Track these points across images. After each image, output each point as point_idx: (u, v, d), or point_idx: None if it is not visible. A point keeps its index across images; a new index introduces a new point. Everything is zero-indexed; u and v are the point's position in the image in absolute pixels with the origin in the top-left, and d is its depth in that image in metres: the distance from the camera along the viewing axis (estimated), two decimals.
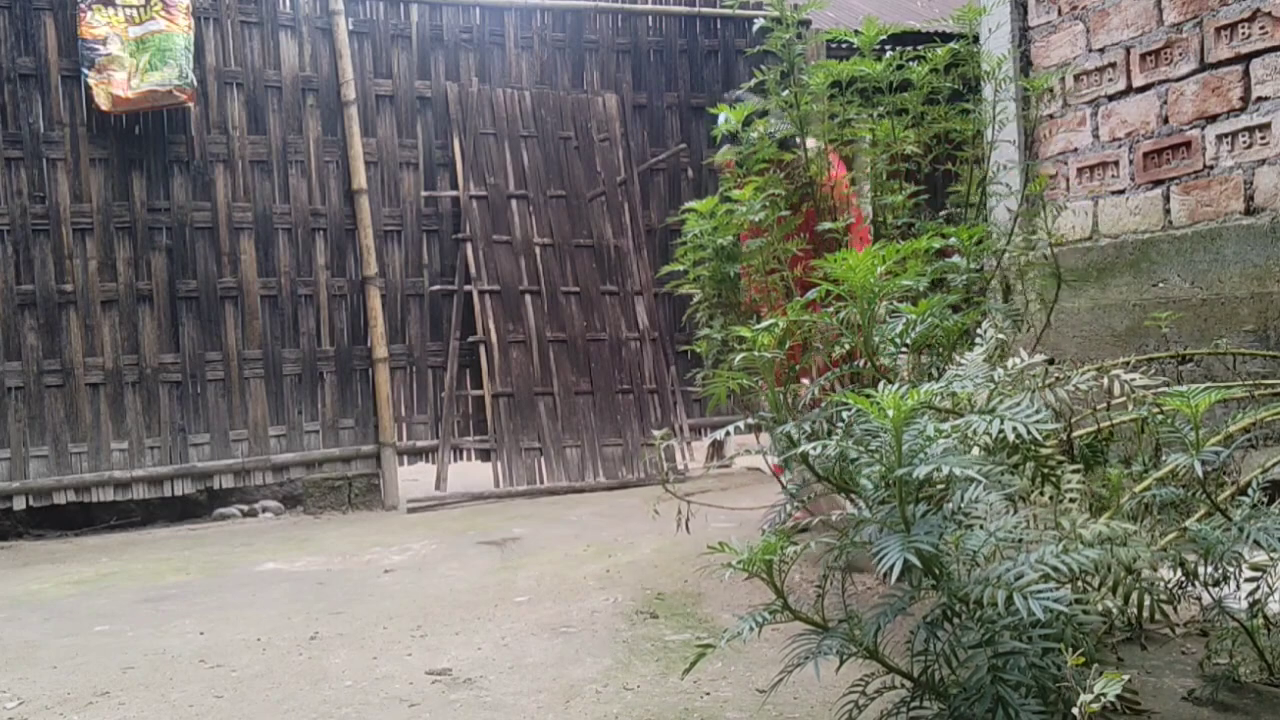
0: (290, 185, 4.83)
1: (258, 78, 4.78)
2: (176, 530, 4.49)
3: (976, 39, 2.62)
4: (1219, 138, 3.09)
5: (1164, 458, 1.91)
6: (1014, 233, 2.53)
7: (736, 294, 2.72)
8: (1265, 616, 1.72)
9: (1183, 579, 1.73)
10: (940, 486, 1.44)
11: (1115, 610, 1.62)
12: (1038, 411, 1.39)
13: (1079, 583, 1.54)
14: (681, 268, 2.87)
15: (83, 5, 4.40)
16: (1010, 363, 1.73)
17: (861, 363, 1.96)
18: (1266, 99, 2.94)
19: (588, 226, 5.33)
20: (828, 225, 2.64)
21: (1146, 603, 1.61)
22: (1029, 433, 1.36)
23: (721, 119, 3.01)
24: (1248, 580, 1.69)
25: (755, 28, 2.86)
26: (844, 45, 2.71)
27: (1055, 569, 1.30)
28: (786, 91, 2.78)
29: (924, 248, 2.02)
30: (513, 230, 5.19)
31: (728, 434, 1.95)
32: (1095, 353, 3.32)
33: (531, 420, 5.06)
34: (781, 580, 1.50)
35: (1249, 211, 3.02)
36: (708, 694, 1.97)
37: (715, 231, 2.70)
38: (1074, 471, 1.79)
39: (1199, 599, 1.82)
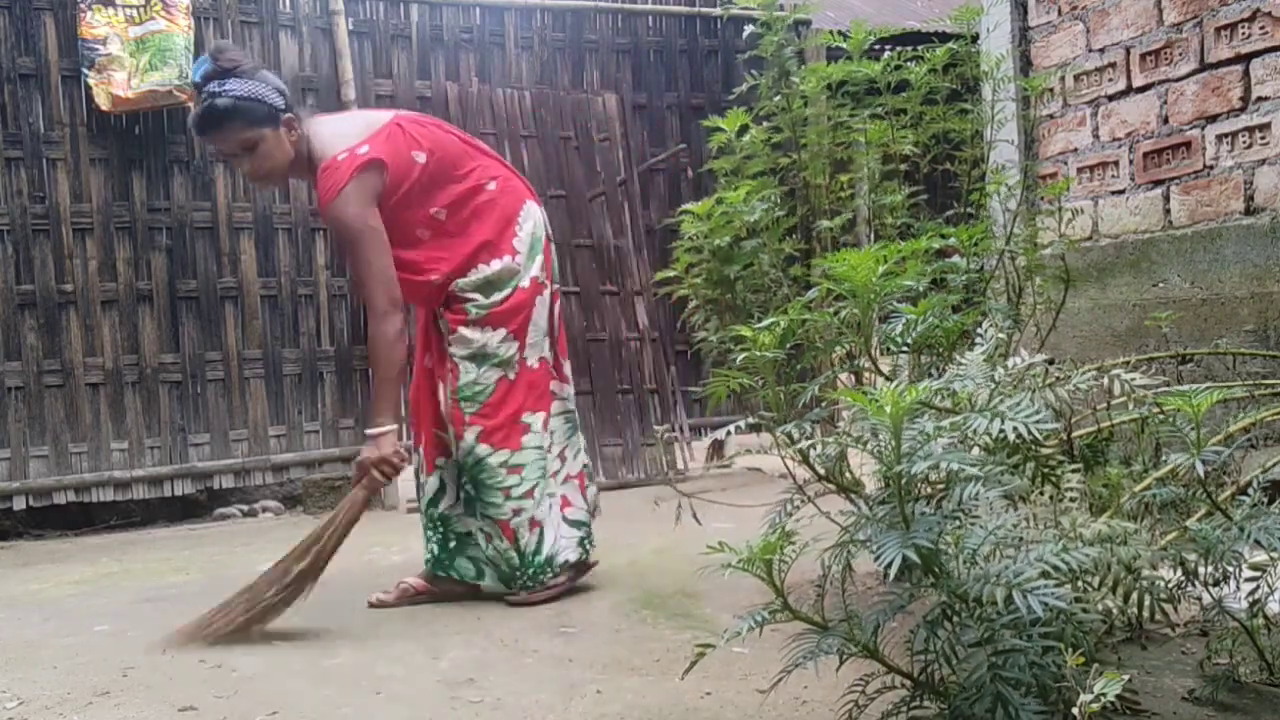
0: (290, 185, 4.82)
1: None
2: (176, 530, 4.49)
3: (975, 39, 2.62)
4: (1219, 138, 3.09)
5: (1164, 457, 1.91)
6: (1012, 233, 2.53)
7: (734, 294, 2.72)
8: (1265, 616, 1.72)
9: (1183, 579, 1.73)
10: (940, 485, 1.44)
11: (1115, 610, 1.62)
12: (1038, 411, 1.39)
13: (1079, 582, 1.54)
14: (676, 273, 2.87)
15: (83, 5, 4.40)
16: (1011, 362, 1.73)
17: (862, 362, 1.96)
18: (1266, 99, 2.95)
19: (588, 226, 5.33)
20: (824, 224, 2.65)
21: (1146, 602, 1.61)
22: (1029, 432, 1.36)
23: None
24: (1248, 580, 1.69)
25: (746, 33, 2.86)
26: (843, 47, 2.71)
27: (1055, 567, 1.30)
28: (779, 96, 2.78)
29: (923, 248, 2.03)
30: None
31: (728, 434, 1.95)
32: (1095, 353, 3.32)
33: None
34: (781, 580, 1.50)
35: (1249, 211, 3.02)
36: (708, 694, 1.97)
37: (711, 234, 2.71)
38: (1074, 471, 1.79)
39: (1199, 599, 1.82)
